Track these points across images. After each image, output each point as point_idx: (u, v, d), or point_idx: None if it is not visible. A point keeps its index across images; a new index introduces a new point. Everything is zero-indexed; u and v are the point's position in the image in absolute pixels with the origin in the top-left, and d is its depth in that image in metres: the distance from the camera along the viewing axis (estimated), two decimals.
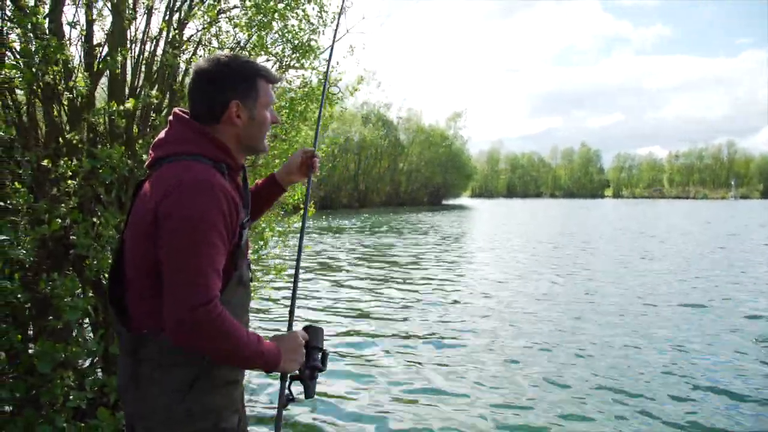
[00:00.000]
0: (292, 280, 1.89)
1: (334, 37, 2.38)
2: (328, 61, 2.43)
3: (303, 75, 4.78)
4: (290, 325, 1.74)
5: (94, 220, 2.74)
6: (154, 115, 3.11)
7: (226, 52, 1.72)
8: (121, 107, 2.80)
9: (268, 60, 4.51)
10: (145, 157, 2.92)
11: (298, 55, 4.56)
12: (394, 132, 67.75)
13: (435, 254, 15.38)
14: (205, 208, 1.39)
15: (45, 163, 2.59)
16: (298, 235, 2.01)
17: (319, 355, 1.69)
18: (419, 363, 5.71)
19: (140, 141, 2.92)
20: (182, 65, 3.64)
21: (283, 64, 4.63)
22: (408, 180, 69.90)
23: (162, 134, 1.59)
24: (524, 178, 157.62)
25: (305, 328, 1.71)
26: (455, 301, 8.87)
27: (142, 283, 1.48)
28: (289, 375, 1.64)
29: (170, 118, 1.61)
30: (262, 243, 5.15)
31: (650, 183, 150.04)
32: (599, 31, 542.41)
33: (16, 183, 2.56)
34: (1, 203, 2.54)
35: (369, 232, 23.55)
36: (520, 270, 12.45)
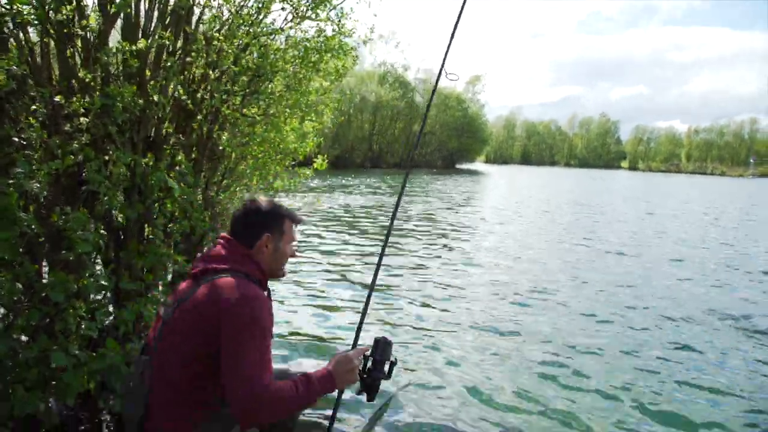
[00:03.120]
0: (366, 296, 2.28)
1: None
2: None
3: (318, 25, 4.72)
4: (355, 342, 2.17)
5: (106, 158, 2.78)
6: (166, 56, 3.12)
7: (265, 197, 2.21)
8: (133, 47, 2.81)
9: (283, 8, 4.46)
10: (156, 98, 2.95)
11: (313, 4, 4.49)
12: (411, 94, 66.91)
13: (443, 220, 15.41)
14: (264, 318, 1.80)
15: (58, 99, 2.62)
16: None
17: (386, 367, 2.03)
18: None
19: (152, 82, 2.94)
20: (196, 9, 3.62)
21: (299, 13, 4.58)
22: (423, 142, 69.34)
23: (215, 250, 2.03)
24: (540, 146, 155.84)
25: (376, 341, 2.07)
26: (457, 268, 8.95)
27: (175, 386, 1.81)
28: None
29: (220, 240, 2.07)
30: (272, 193, 5.21)
31: (668, 157, 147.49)
32: None
33: (30, 118, 2.61)
34: (16, 138, 2.59)
35: (389, 193, 23.58)
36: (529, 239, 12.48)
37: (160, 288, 3.14)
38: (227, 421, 1.90)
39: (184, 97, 3.16)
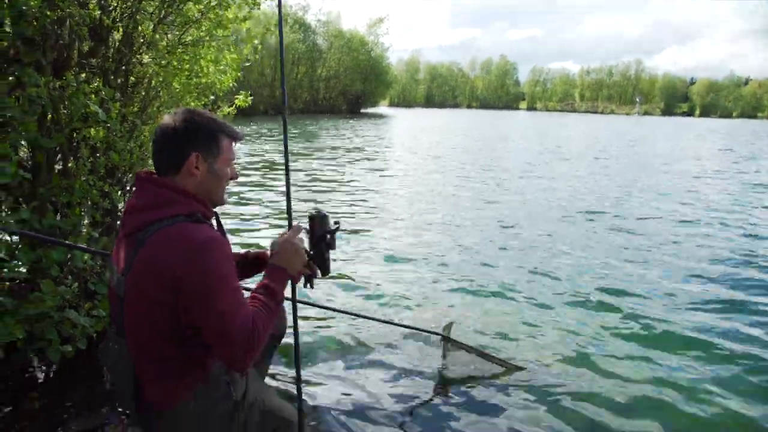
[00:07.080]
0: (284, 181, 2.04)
1: None
2: None
3: None
4: (290, 224, 1.97)
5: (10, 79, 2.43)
6: None
7: (193, 107, 1.80)
8: None
9: None
10: (69, 11, 2.59)
11: None
12: (312, 36, 64.84)
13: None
14: (224, 260, 1.56)
15: None
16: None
17: (327, 237, 1.89)
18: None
19: None
20: None
21: None
22: (327, 87, 67.92)
23: (137, 199, 1.64)
24: (443, 88, 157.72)
25: (311, 217, 1.89)
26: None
27: (155, 359, 1.61)
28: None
29: (138, 180, 1.67)
30: None
31: (563, 97, 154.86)
32: None
33: None
34: None
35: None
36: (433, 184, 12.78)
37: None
38: (222, 379, 1.72)
39: (97, 13, 2.80)
